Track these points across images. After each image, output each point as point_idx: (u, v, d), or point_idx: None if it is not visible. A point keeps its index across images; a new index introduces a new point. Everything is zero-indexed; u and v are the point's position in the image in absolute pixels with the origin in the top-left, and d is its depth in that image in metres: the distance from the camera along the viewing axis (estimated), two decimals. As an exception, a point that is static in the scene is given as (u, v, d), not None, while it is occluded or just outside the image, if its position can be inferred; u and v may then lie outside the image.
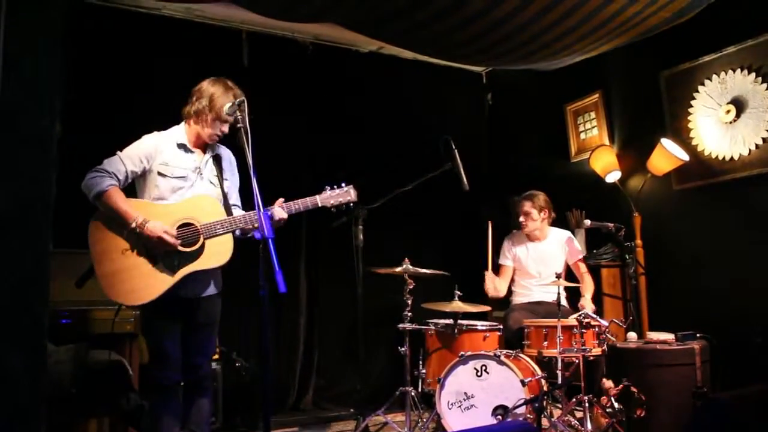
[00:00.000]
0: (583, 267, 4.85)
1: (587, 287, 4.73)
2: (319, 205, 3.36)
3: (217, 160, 3.40)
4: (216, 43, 5.16)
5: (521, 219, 4.90)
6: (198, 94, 3.27)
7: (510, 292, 5.03)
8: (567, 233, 4.95)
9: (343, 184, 3.41)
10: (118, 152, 3.19)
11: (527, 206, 4.86)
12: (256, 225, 3.10)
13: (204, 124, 3.27)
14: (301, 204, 3.30)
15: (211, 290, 3.32)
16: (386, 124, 5.82)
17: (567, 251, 4.86)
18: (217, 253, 3.16)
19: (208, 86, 3.27)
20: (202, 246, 3.13)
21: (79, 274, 4.05)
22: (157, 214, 3.11)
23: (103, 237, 3.08)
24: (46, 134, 1.90)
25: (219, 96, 3.21)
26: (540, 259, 4.86)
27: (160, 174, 3.21)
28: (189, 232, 3.13)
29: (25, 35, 1.83)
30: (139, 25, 4.87)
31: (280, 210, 3.23)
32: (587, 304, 4.54)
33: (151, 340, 3.29)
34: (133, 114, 4.53)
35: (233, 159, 3.48)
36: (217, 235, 3.15)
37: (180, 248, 3.10)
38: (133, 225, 3.04)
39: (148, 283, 3.06)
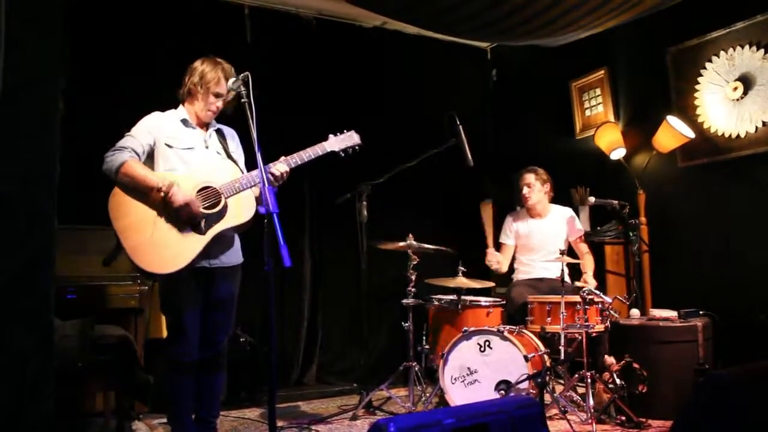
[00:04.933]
0: (584, 246, 4.85)
1: (588, 265, 4.72)
2: (327, 150, 3.40)
3: (220, 133, 3.46)
4: (219, 19, 5.12)
5: (524, 191, 4.87)
6: (189, 73, 3.35)
7: (512, 269, 5.04)
8: (569, 211, 4.95)
9: (345, 130, 3.47)
10: (126, 133, 3.23)
11: (530, 178, 4.85)
12: (273, 176, 3.18)
13: (197, 101, 3.33)
14: (311, 152, 3.35)
15: (233, 259, 3.34)
16: (390, 100, 5.80)
17: (568, 229, 4.86)
18: (241, 210, 3.20)
19: (197, 65, 3.35)
20: (225, 206, 3.17)
21: (84, 249, 4.10)
22: (176, 181, 3.14)
23: (126, 211, 3.09)
24: (49, 112, 1.90)
25: (208, 71, 3.29)
26: (542, 235, 4.86)
27: (167, 145, 3.25)
28: (210, 194, 3.17)
29: (27, 13, 1.82)
30: (141, 2, 4.82)
31: (281, 165, 3.25)
32: (589, 280, 4.56)
33: (171, 316, 3.30)
34: (134, 92, 4.53)
35: (235, 135, 3.52)
36: (237, 193, 3.18)
37: (204, 210, 3.13)
38: (160, 185, 3.05)
39: (180, 248, 3.08)
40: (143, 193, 3.10)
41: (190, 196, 3.09)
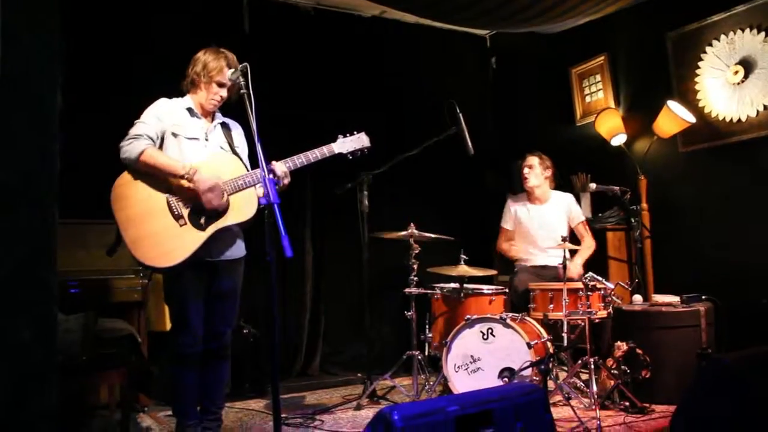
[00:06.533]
0: (583, 230, 4.79)
1: (583, 250, 4.62)
2: (336, 152, 3.42)
3: (226, 127, 3.45)
4: (217, 10, 5.11)
5: (524, 171, 4.83)
6: (192, 63, 3.35)
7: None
8: (569, 196, 4.91)
9: (355, 132, 3.48)
10: (136, 120, 3.22)
11: (532, 160, 4.81)
12: (277, 176, 3.18)
13: (201, 90, 3.33)
14: (317, 153, 3.36)
15: (236, 253, 3.34)
16: (390, 89, 5.79)
17: (569, 214, 4.83)
18: (243, 207, 3.20)
19: (200, 55, 3.35)
20: (227, 202, 3.17)
21: (86, 243, 4.11)
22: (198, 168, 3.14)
23: (128, 203, 3.10)
24: (48, 106, 1.90)
25: (211, 61, 3.30)
26: (542, 222, 4.83)
27: (173, 134, 3.25)
28: None
29: (24, 6, 1.82)
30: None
31: (281, 165, 3.25)
32: (572, 267, 4.48)
33: (175, 307, 3.30)
34: (134, 84, 4.51)
35: (241, 129, 3.51)
36: (240, 190, 3.19)
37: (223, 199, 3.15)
38: (182, 172, 3.09)
39: (179, 243, 3.08)
40: (159, 180, 3.11)
41: (215, 181, 3.11)
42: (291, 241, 2.48)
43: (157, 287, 4.22)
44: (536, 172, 4.80)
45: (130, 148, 3.10)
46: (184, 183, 3.11)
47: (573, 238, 4.81)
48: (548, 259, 4.77)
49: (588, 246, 4.72)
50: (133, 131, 3.17)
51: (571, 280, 4.13)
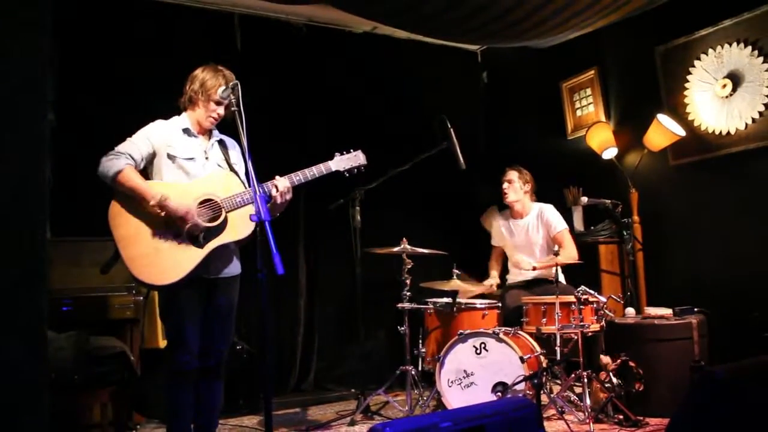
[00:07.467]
0: (561, 239, 4.68)
1: (559, 256, 4.15)
2: (333, 169, 3.43)
3: (223, 144, 3.45)
4: (209, 28, 5.13)
5: (504, 186, 4.84)
6: (190, 81, 3.34)
7: (506, 270, 5.04)
8: (544, 206, 4.86)
9: (352, 150, 3.49)
10: (128, 138, 3.22)
11: (512, 175, 4.82)
12: (273, 193, 3.19)
13: (198, 108, 3.33)
14: (315, 170, 3.37)
15: (232, 270, 3.34)
16: (381, 105, 5.81)
17: (545, 224, 4.79)
18: (241, 225, 3.19)
19: (198, 72, 3.34)
20: (225, 220, 3.17)
21: (79, 261, 4.10)
22: (177, 193, 3.13)
23: (126, 220, 3.08)
24: (39, 123, 1.90)
25: (209, 79, 3.29)
26: (524, 236, 4.85)
27: (169, 156, 3.24)
28: (211, 208, 3.17)
29: (14, 24, 1.83)
30: (131, 12, 4.82)
31: (284, 180, 3.25)
32: (524, 263, 4.57)
33: (171, 324, 3.27)
34: (127, 103, 4.52)
35: (237, 145, 3.50)
36: (238, 208, 3.18)
37: (204, 223, 3.13)
38: (153, 202, 3.05)
39: (177, 261, 3.07)
40: (140, 202, 3.10)
41: (187, 208, 3.09)
42: (284, 257, 2.48)
43: (150, 304, 4.21)
44: (515, 186, 4.81)
45: (108, 165, 3.08)
46: (157, 210, 3.07)
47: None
48: (537, 273, 4.75)
49: (566, 255, 4.52)
50: (118, 147, 3.16)
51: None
